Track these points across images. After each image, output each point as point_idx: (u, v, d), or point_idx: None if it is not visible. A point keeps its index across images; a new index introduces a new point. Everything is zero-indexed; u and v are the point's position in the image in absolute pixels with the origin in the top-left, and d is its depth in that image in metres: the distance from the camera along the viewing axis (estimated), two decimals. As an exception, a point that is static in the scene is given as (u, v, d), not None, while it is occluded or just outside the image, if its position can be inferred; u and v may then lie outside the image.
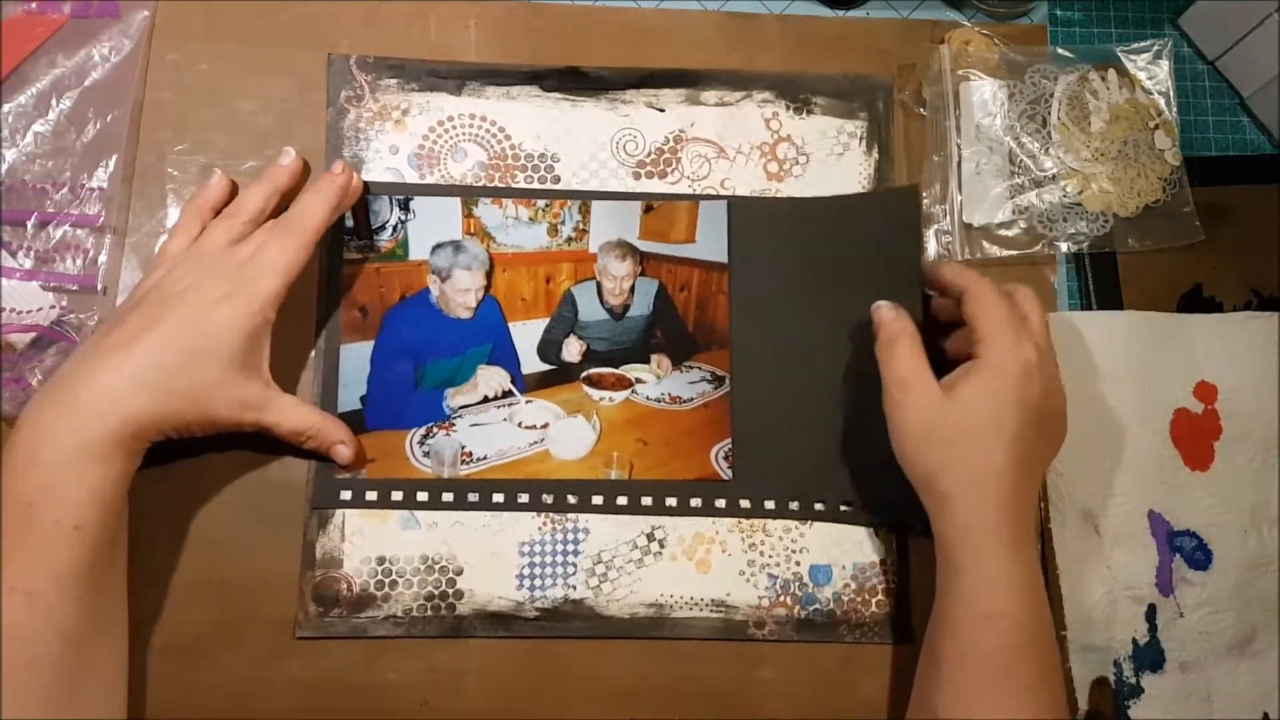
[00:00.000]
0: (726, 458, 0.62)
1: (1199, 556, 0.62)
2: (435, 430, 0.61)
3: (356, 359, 0.62)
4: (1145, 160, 0.66)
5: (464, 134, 0.65)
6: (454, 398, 0.62)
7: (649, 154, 0.66)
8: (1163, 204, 0.66)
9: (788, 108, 0.67)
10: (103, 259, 0.61)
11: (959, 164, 0.66)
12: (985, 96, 0.66)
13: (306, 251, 0.56)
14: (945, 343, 0.59)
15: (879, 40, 0.68)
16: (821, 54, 0.68)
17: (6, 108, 0.61)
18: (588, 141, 0.65)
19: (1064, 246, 0.65)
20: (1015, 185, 0.66)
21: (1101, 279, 0.66)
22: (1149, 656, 0.61)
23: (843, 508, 0.61)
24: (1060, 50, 0.67)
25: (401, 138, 0.64)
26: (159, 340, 0.51)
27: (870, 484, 0.61)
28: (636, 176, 0.65)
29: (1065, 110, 0.66)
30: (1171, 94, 0.67)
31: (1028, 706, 0.50)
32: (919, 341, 0.55)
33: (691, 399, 0.63)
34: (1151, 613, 0.61)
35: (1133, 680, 0.60)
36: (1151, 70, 0.68)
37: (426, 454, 0.61)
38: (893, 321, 0.56)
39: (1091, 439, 0.63)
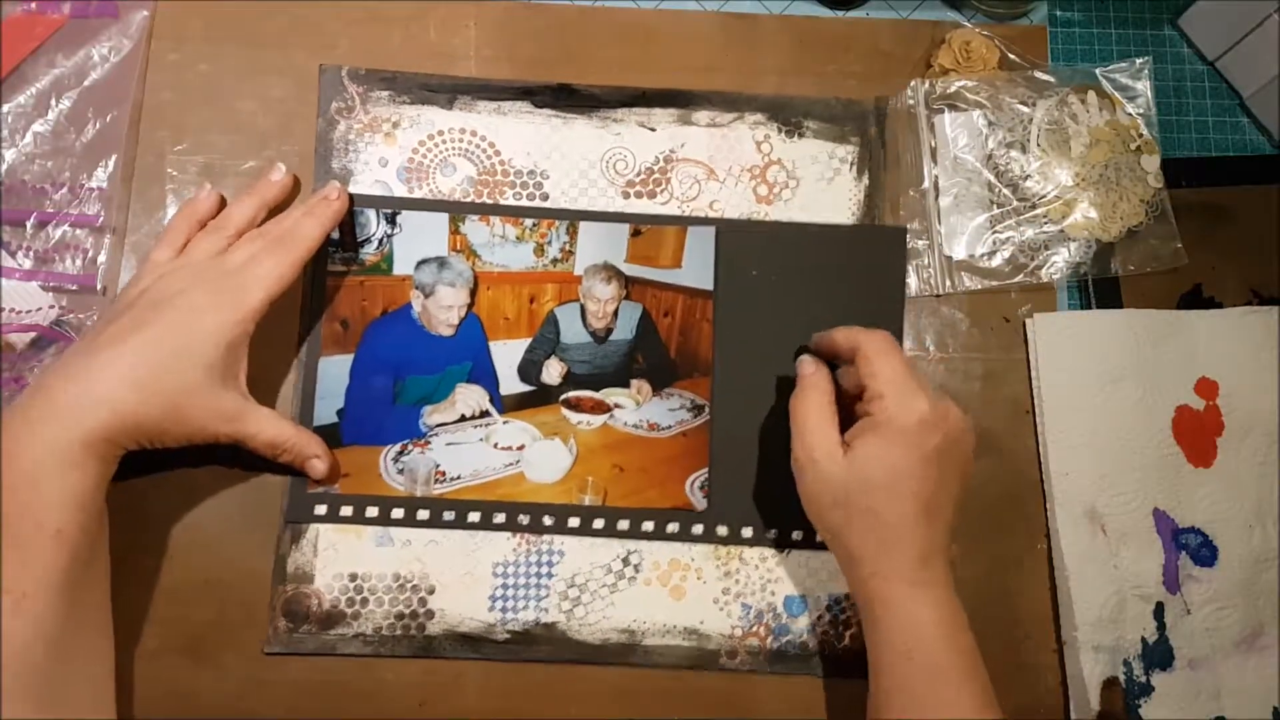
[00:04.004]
0: (702, 488, 0.61)
1: (1204, 553, 0.62)
2: (410, 447, 0.61)
3: (335, 372, 0.61)
4: (1127, 183, 0.65)
5: (454, 149, 0.64)
6: (431, 415, 0.61)
7: (639, 173, 0.65)
8: (1145, 226, 0.66)
9: (779, 130, 0.66)
10: (102, 259, 0.61)
11: (937, 197, 0.65)
12: (962, 127, 0.66)
13: (296, 270, 0.56)
14: (858, 406, 0.56)
15: (879, 40, 0.68)
16: (821, 54, 0.68)
17: (6, 108, 0.61)
18: (578, 159, 0.65)
19: (1045, 276, 0.65)
20: (996, 215, 0.65)
21: (1101, 292, 0.66)
22: (1158, 654, 0.60)
23: (819, 537, 0.60)
24: (1039, 74, 0.67)
25: (391, 151, 0.64)
26: (140, 345, 0.51)
27: None
28: (626, 196, 0.65)
29: (1044, 136, 0.66)
30: (1153, 114, 0.67)
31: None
32: (830, 399, 0.55)
33: (670, 426, 0.62)
34: (1159, 611, 0.61)
35: (1143, 679, 0.60)
36: (1132, 90, 0.67)
37: (400, 471, 0.60)
38: (809, 375, 0.56)
39: (1095, 439, 0.63)
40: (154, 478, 0.58)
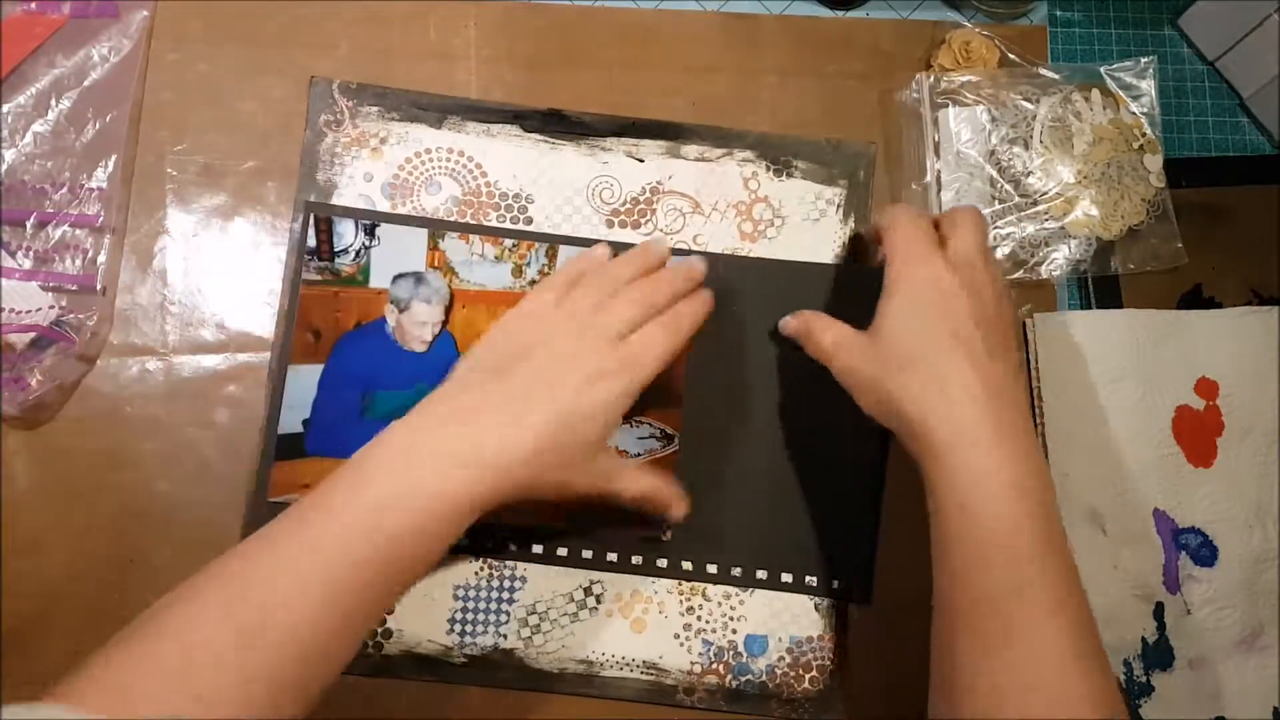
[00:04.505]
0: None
1: (1204, 553, 0.62)
2: None
3: (304, 381, 0.60)
4: (1129, 182, 0.65)
5: (440, 167, 0.64)
6: None
7: (624, 203, 0.65)
8: (1146, 225, 0.66)
9: (768, 169, 0.66)
10: (102, 259, 0.60)
11: (939, 191, 0.65)
12: (965, 122, 0.66)
13: (680, 349, 0.55)
14: None
15: (879, 40, 0.68)
16: (821, 54, 0.68)
17: (6, 108, 0.61)
18: (564, 185, 0.64)
19: (1045, 273, 0.65)
20: (997, 211, 0.65)
21: (1101, 291, 0.66)
22: (1158, 655, 0.60)
23: (784, 577, 0.60)
24: (1043, 71, 0.67)
25: (377, 166, 0.64)
26: (543, 408, 0.50)
27: (813, 556, 0.60)
28: (610, 224, 0.64)
29: (1048, 133, 0.66)
30: (1156, 113, 0.67)
31: (1056, 642, 0.45)
32: (828, 317, 0.57)
33: (638, 455, 0.61)
34: (1159, 611, 0.61)
35: (1143, 679, 0.60)
36: (1136, 89, 0.67)
37: None
38: (798, 320, 0.58)
39: (1095, 439, 0.63)
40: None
